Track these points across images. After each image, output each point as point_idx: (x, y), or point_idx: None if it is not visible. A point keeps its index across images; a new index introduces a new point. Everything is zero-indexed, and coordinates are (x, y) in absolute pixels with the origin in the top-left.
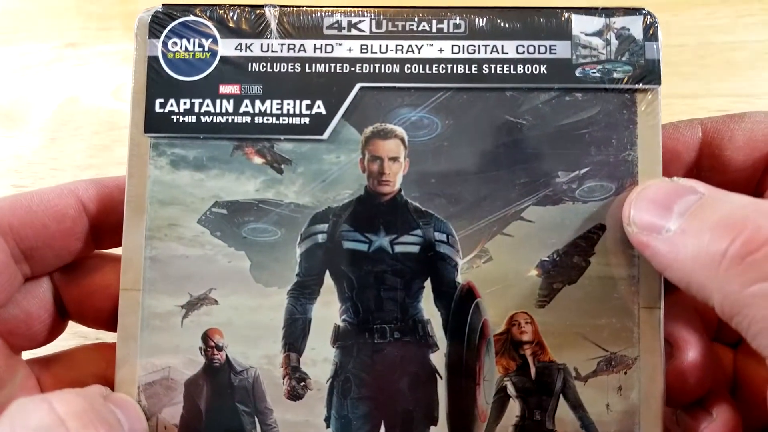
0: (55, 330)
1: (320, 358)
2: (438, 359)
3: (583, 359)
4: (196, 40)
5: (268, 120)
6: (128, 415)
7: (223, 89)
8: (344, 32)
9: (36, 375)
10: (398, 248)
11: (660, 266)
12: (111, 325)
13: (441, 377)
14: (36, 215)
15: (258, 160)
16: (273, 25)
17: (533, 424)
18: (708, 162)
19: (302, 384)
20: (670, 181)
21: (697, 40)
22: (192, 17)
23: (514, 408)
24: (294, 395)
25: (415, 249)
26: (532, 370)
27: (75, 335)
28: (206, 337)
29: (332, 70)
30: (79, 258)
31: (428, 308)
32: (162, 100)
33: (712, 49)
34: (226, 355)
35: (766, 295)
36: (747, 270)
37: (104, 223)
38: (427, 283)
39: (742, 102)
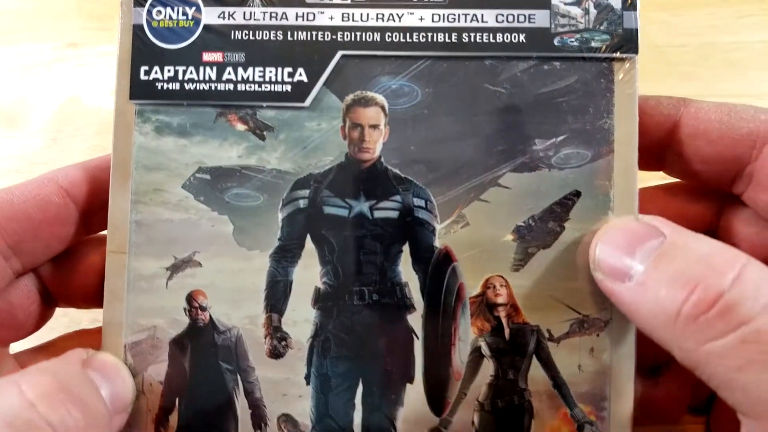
0: (41, 318)
1: (301, 318)
2: (415, 320)
3: (557, 321)
4: (180, 9)
5: (250, 87)
6: (109, 376)
7: (207, 57)
8: (326, 0)
9: (21, 366)
10: (378, 213)
11: (625, 314)
12: (100, 301)
13: (418, 337)
14: (18, 207)
15: (241, 126)
16: None
17: (506, 383)
18: (675, 148)
19: (283, 343)
20: (634, 221)
21: (699, 40)
22: None
23: (488, 367)
24: (275, 354)
25: (394, 214)
26: (506, 332)
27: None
28: (190, 298)
29: (314, 39)
30: (71, 245)
31: (406, 271)
32: (147, 68)
33: (713, 50)
34: (210, 316)
35: (720, 354)
36: (700, 329)
37: (92, 205)
38: (406, 248)
39: (743, 102)
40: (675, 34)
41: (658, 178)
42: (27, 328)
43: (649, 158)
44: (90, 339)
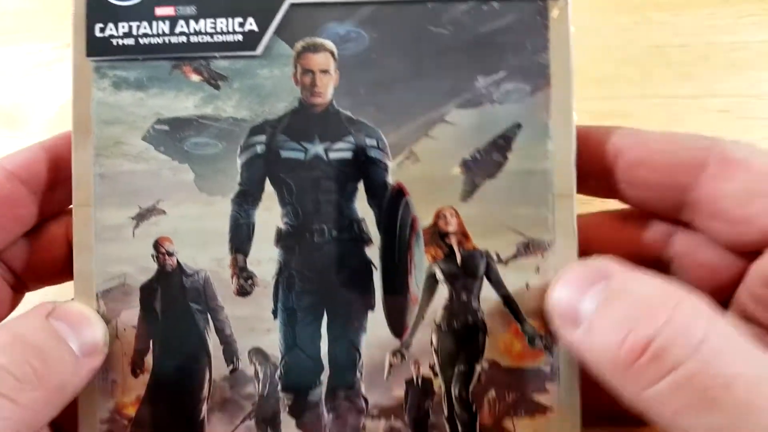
0: (11, 304)
1: (265, 257)
2: (373, 253)
3: (504, 245)
4: None
5: (203, 39)
6: (73, 322)
7: (159, 11)
8: None
9: None
10: (332, 155)
11: (583, 361)
12: (69, 274)
13: (376, 268)
14: None
15: (195, 77)
16: None
17: (460, 304)
18: (618, 176)
19: (249, 282)
20: (582, 266)
21: (699, 40)
22: None
23: (442, 291)
24: (242, 292)
25: (348, 155)
26: (458, 257)
27: None
28: (157, 244)
29: None
30: (31, 226)
31: (362, 208)
32: (102, 25)
33: (713, 50)
34: (177, 260)
35: (657, 400)
36: (636, 376)
37: (46, 184)
38: (360, 186)
39: (744, 103)
40: (675, 34)
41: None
42: None
43: (600, 186)
44: None
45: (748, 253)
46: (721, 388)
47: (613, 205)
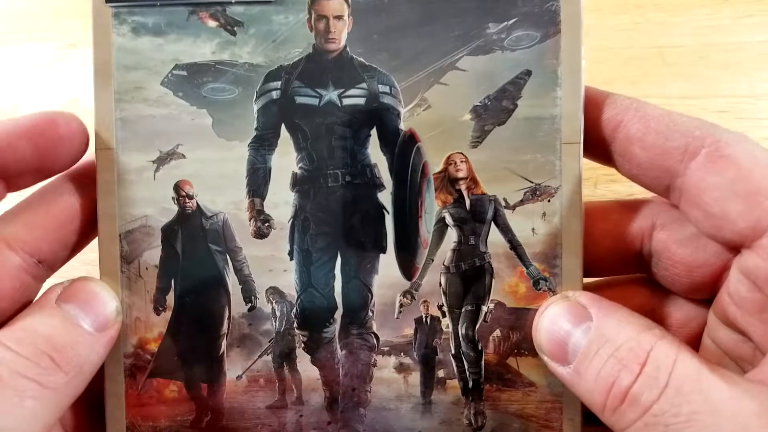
0: (30, 296)
1: (281, 201)
2: (385, 197)
3: (511, 191)
4: None
5: None
6: (84, 302)
7: None
8: None
9: None
10: (346, 101)
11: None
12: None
13: (388, 212)
14: None
15: (212, 23)
16: None
17: (468, 247)
18: (618, 147)
19: (266, 224)
20: (564, 303)
21: (698, 40)
22: None
23: (451, 235)
24: (260, 234)
25: (362, 101)
26: (467, 202)
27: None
28: (177, 187)
29: None
30: None
31: (375, 154)
32: None
33: (712, 50)
34: (197, 203)
35: None
36: (618, 419)
37: (8, 170)
38: (373, 132)
39: (742, 103)
40: (674, 35)
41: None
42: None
43: (599, 154)
44: None
45: (729, 249)
46: (682, 425)
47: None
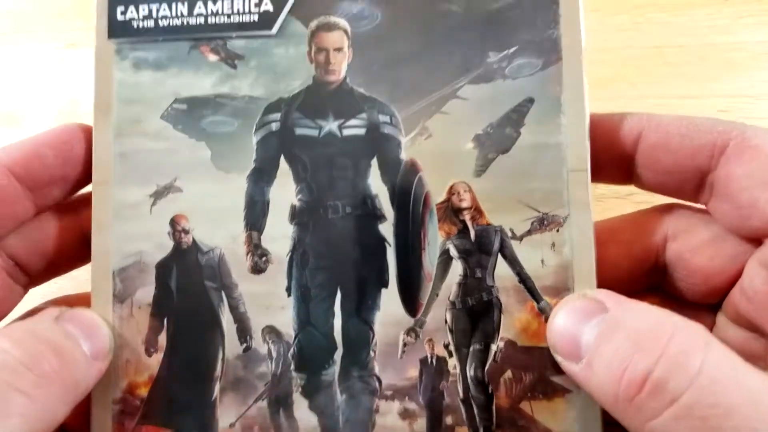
0: (16, 300)
1: (279, 234)
2: (386, 229)
3: (518, 220)
4: None
5: (220, 19)
6: (83, 326)
7: None
8: None
9: None
10: (346, 131)
11: (587, 392)
12: (73, 263)
13: (390, 245)
14: None
15: (213, 57)
16: None
17: (475, 281)
18: (642, 159)
19: (264, 259)
20: (580, 300)
21: (697, 40)
22: None
23: (456, 268)
24: (257, 269)
25: (362, 131)
26: (472, 233)
27: None
28: (173, 222)
29: None
30: (24, 221)
31: (376, 184)
32: (122, 8)
33: (712, 50)
34: (193, 238)
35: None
36: (637, 410)
37: (37, 180)
38: (374, 162)
39: (742, 103)
40: (674, 35)
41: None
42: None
43: (618, 172)
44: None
45: (752, 241)
46: (721, 417)
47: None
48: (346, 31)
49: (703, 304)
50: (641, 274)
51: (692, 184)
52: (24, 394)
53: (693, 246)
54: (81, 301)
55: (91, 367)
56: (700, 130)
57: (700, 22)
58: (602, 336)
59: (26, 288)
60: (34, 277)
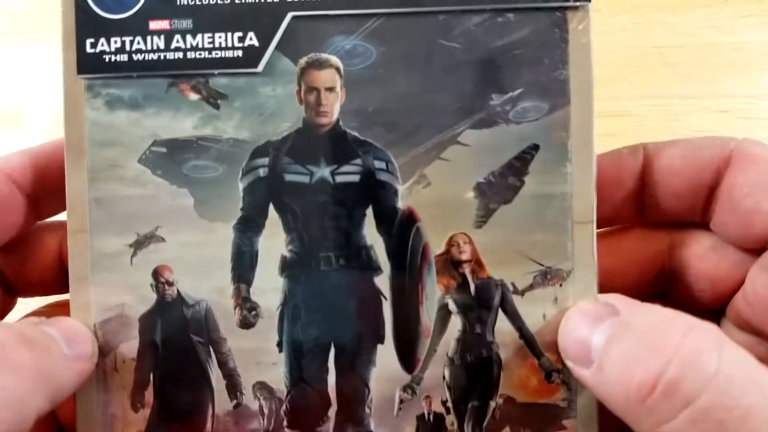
0: (3, 310)
1: (269, 287)
2: (382, 282)
3: (520, 274)
4: None
5: (200, 55)
6: (63, 330)
7: (153, 25)
8: None
9: None
10: (339, 178)
11: (597, 398)
12: (62, 288)
13: (386, 299)
14: None
15: (194, 96)
16: None
17: (474, 337)
18: (649, 190)
19: (253, 313)
20: (592, 304)
21: (698, 41)
22: None
23: (455, 323)
24: (246, 324)
25: (356, 178)
26: (472, 287)
27: None
28: (156, 273)
29: (263, 0)
30: (21, 233)
31: (371, 234)
32: (92, 40)
33: (713, 50)
34: (178, 290)
35: None
36: (650, 412)
37: (39, 191)
38: (369, 211)
39: (743, 103)
40: (674, 35)
41: None
42: None
43: (629, 209)
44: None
45: (755, 250)
46: (738, 420)
47: None
48: (338, 69)
49: (708, 310)
50: (648, 281)
51: (702, 203)
52: None
53: (699, 253)
54: (63, 307)
55: (70, 364)
56: (699, 147)
57: (700, 22)
58: (613, 338)
59: (15, 298)
60: (20, 291)
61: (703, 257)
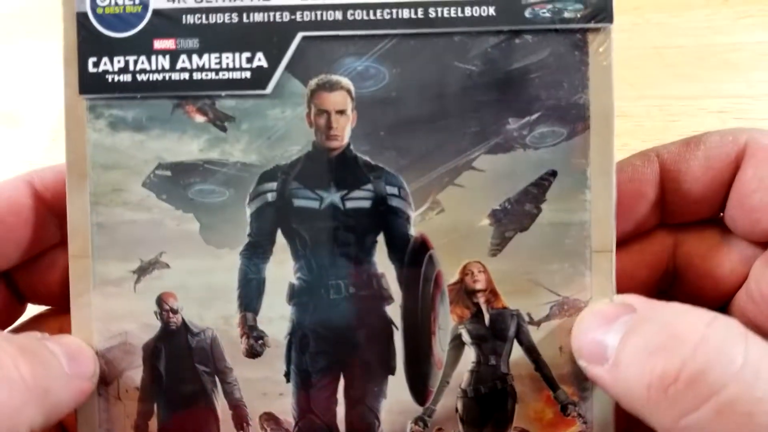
0: (11, 316)
1: (277, 315)
2: (393, 311)
3: (536, 304)
4: None
5: (207, 75)
6: (66, 345)
7: (158, 44)
8: None
9: None
10: (350, 204)
11: (612, 397)
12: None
13: (397, 328)
14: None
15: (200, 118)
16: None
17: (488, 368)
18: (670, 197)
19: (260, 342)
20: (607, 304)
21: (697, 41)
22: None
23: (469, 354)
24: (252, 353)
25: (367, 204)
26: (486, 317)
27: None
28: (160, 300)
29: (272, 20)
30: (46, 248)
31: (382, 262)
32: (95, 59)
33: (712, 51)
34: (182, 318)
35: (698, 427)
36: (672, 403)
37: (64, 207)
38: (380, 238)
39: (741, 103)
40: (674, 35)
41: None
42: None
43: (651, 219)
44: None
45: (761, 245)
46: (767, 413)
47: None
48: (349, 92)
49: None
50: (655, 281)
51: (720, 199)
52: None
53: (703, 251)
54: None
55: (69, 382)
56: (712, 147)
57: (699, 22)
58: (630, 332)
59: (25, 304)
60: (30, 299)
61: (707, 255)
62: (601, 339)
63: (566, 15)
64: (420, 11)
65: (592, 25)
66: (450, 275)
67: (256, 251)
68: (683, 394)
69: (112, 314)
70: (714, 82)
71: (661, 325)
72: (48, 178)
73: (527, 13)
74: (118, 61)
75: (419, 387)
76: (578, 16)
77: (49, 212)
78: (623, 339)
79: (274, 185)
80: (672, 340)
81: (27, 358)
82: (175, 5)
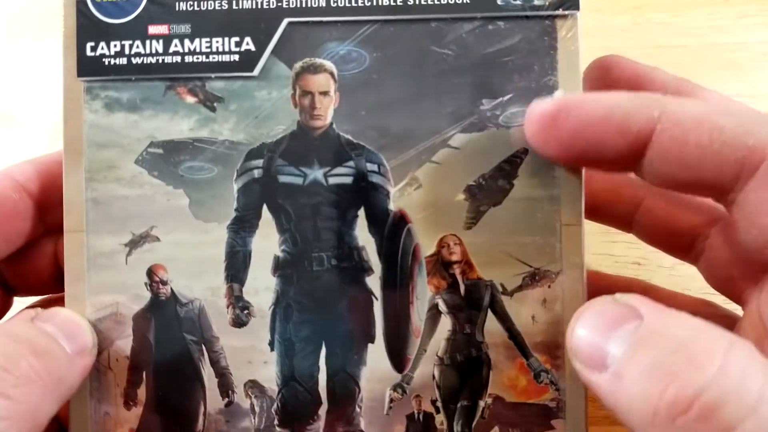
0: (1, 309)
1: (262, 287)
2: (373, 282)
3: (509, 275)
4: None
5: (198, 59)
6: (60, 323)
7: (152, 30)
8: None
9: None
10: (332, 180)
11: (607, 406)
12: (57, 289)
13: (377, 299)
14: None
15: (190, 99)
16: None
17: (464, 337)
18: (651, 166)
19: (246, 312)
20: (610, 303)
21: (698, 41)
22: None
23: (445, 323)
24: (238, 323)
25: (349, 180)
26: (462, 288)
27: None
28: (151, 272)
29: (259, 6)
30: (30, 240)
31: (363, 235)
32: (93, 44)
33: (713, 50)
34: (171, 289)
35: None
36: None
37: (48, 199)
38: (361, 212)
39: (743, 103)
40: (675, 35)
41: None
42: None
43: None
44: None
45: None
46: None
47: None
48: (332, 74)
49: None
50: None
51: (712, 194)
52: (4, 396)
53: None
54: (57, 301)
55: (74, 363)
56: (726, 144)
57: (700, 22)
58: (638, 344)
59: (12, 296)
60: (17, 291)
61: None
62: (601, 344)
63: (536, 2)
64: None
65: (560, 12)
66: (427, 248)
67: (243, 225)
68: (693, 426)
69: (104, 286)
70: (715, 81)
71: (675, 345)
72: (27, 171)
73: (499, 1)
74: (115, 46)
75: (398, 355)
76: (547, 3)
77: (33, 204)
78: (630, 351)
79: (260, 162)
80: (687, 365)
81: (37, 354)
82: None
